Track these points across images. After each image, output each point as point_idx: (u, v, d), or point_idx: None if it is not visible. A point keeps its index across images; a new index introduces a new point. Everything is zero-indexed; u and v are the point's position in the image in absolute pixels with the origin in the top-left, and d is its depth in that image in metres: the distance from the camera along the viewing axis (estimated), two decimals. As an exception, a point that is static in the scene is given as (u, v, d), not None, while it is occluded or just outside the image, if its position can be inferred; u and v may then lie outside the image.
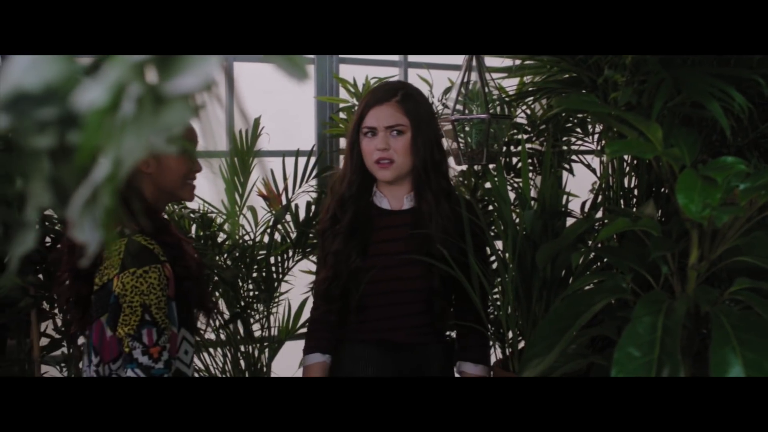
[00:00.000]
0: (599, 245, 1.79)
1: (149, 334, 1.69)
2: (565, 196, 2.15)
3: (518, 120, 2.85)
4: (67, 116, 0.41)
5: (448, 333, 2.23)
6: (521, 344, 1.95)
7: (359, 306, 2.05)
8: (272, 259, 2.80)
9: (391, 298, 2.04)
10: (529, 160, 2.75)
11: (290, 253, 2.82)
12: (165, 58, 0.43)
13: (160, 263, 1.74)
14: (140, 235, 1.76)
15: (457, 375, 2.14)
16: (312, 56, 3.17)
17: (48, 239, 2.37)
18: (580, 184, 2.74)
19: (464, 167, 2.67)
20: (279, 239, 2.81)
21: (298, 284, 2.90)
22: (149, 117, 0.42)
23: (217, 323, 2.69)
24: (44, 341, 2.47)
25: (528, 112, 2.85)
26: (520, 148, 2.76)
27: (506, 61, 2.71)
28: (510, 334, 1.96)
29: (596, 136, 2.71)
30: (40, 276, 2.36)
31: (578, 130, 2.75)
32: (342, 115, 3.04)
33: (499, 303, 2.00)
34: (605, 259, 1.84)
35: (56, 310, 2.46)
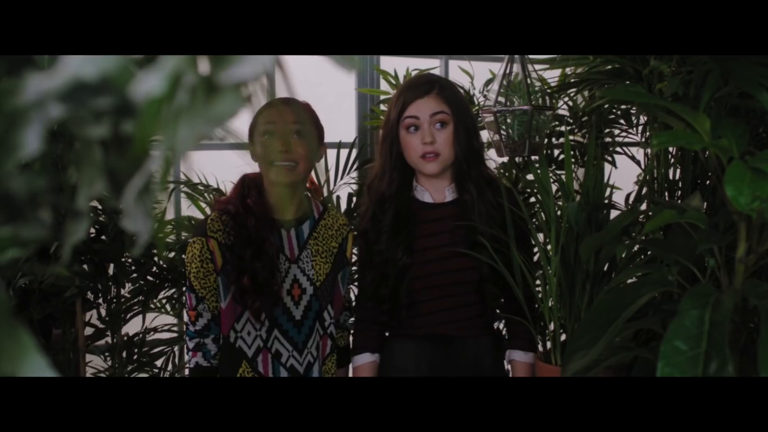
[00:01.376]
0: (644, 238, 1.76)
1: (189, 298, 1.95)
2: (608, 189, 2.13)
3: (560, 112, 2.82)
4: (122, 106, 0.41)
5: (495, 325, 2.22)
6: (563, 337, 1.94)
7: (410, 302, 2.04)
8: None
9: (442, 292, 2.03)
10: (572, 153, 2.73)
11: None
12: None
13: (205, 237, 1.91)
14: (218, 212, 1.96)
15: (506, 362, 2.13)
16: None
17: (93, 230, 2.40)
18: (624, 176, 2.70)
19: (506, 159, 2.65)
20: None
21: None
22: (201, 107, 0.42)
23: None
24: (88, 331, 2.51)
25: (570, 103, 2.82)
26: (562, 140, 2.74)
27: (548, 53, 2.69)
28: (551, 327, 1.95)
29: (640, 128, 2.68)
30: (85, 266, 2.39)
31: (622, 121, 2.72)
32: (383, 107, 3.03)
33: (540, 296, 1.98)
34: (649, 252, 1.81)
35: (100, 300, 2.49)
